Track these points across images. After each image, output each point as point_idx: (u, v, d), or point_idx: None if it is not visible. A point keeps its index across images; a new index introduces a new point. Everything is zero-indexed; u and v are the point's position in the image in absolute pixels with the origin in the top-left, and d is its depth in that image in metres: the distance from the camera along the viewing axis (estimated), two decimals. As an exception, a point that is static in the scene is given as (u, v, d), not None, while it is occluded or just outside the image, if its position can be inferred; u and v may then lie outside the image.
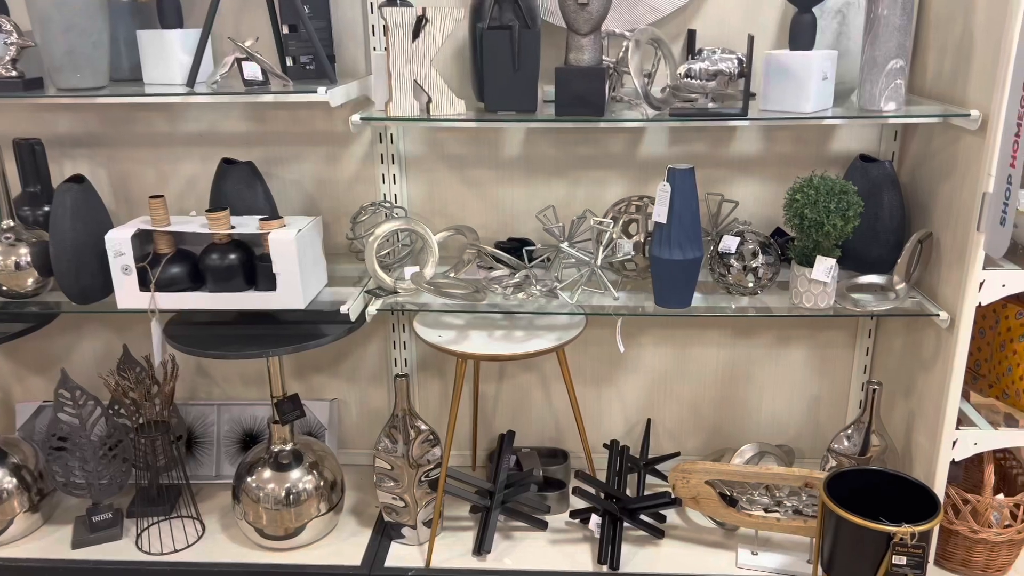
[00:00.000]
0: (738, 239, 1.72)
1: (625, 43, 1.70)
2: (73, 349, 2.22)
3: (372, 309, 1.75)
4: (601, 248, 1.76)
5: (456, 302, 1.76)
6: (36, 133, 2.01)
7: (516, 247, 1.96)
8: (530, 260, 1.89)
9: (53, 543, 1.95)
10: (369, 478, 2.16)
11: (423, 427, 1.90)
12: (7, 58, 1.65)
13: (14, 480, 1.95)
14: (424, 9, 1.57)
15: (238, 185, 1.88)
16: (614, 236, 1.77)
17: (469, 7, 1.71)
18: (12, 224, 1.78)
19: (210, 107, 1.99)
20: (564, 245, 1.83)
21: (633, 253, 1.78)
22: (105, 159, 2.04)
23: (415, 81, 1.62)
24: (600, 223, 1.76)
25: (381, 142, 2.00)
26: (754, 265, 1.72)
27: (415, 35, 1.59)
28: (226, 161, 1.90)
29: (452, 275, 1.90)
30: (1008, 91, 1.44)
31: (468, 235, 1.96)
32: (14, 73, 1.66)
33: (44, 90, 1.72)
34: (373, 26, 1.90)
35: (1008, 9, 1.42)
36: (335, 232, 2.08)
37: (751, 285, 1.73)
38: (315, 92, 1.60)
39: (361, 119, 1.64)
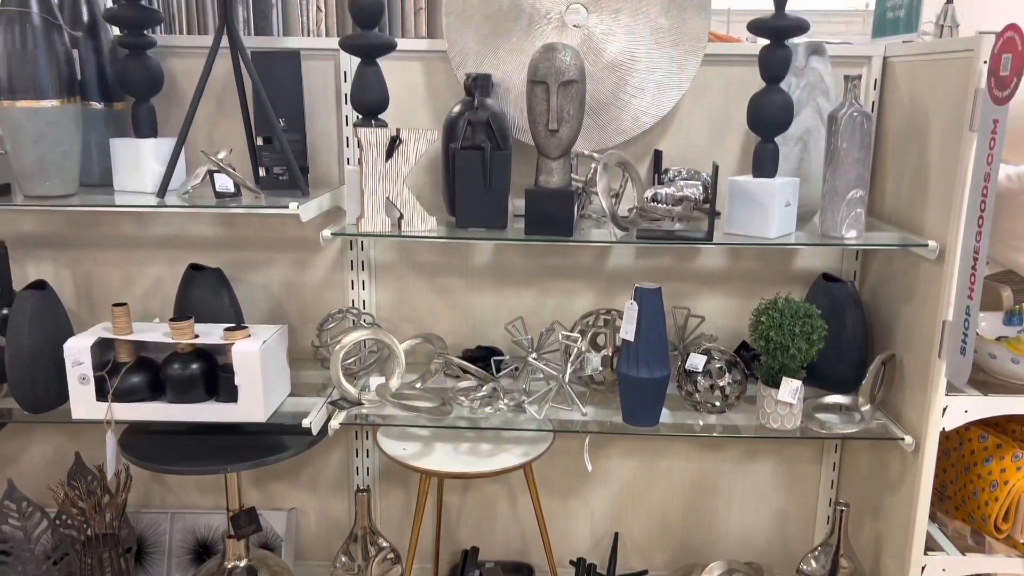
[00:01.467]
0: (705, 357, 1.73)
1: (594, 165, 1.74)
2: (23, 452, 2.14)
3: (335, 423, 1.72)
4: (569, 363, 1.76)
5: (422, 416, 1.73)
6: (1, 233, 1.99)
7: (485, 356, 1.95)
8: (498, 371, 1.89)
9: (-15, 666, 1.84)
10: (327, 593, 2.07)
11: (383, 544, 1.84)
12: (-25, 165, 1.65)
13: (-52, 597, 1.84)
14: (398, 130, 1.60)
15: (204, 292, 1.86)
16: (582, 350, 1.77)
17: (443, 125, 1.75)
18: (-33, 330, 1.73)
19: (180, 212, 1.99)
20: (532, 358, 1.83)
21: (601, 369, 1.78)
22: (70, 260, 2.02)
23: (387, 198, 1.63)
24: (568, 338, 1.76)
25: (352, 249, 2.00)
26: (721, 384, 1.72)
27: (389, 155, 1.61)
28: (193, 267, 1.89)
29: (419, 385, 1.88)
30: (963, 223, 1.49)
31: (436, 343, 1.94)
32: (-19, 180, 1.65)
33: (11, 197, 1.71)
34: (348, 138, 1.93)
35: (961, 143, 1.48)
36: (301, 336, 2.05)
37: (718, 404, 1.73)
38: (286, 207, 1.60)
39: (332, 235, 1.64)
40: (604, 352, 1.83)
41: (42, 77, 1.61)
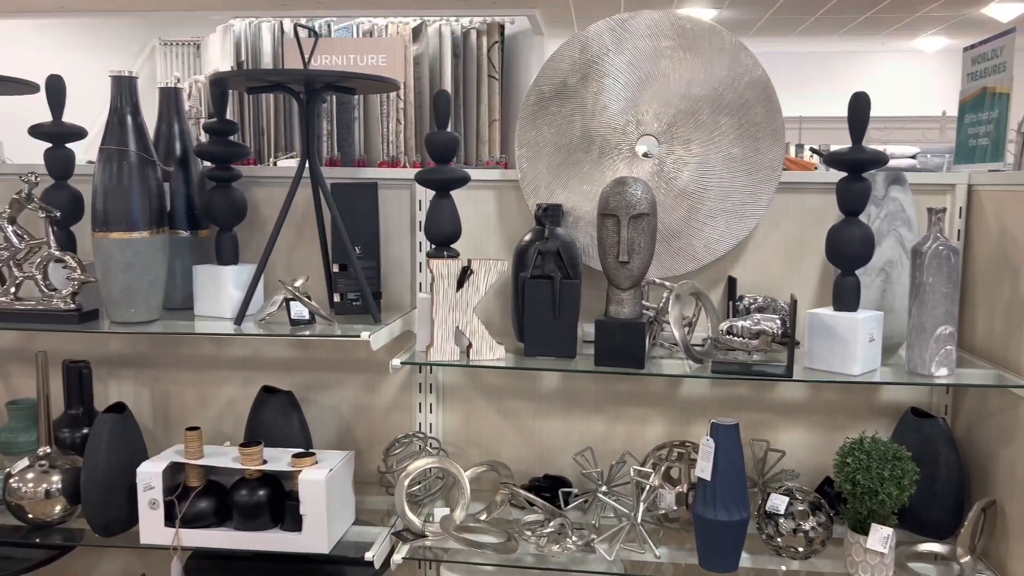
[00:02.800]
0: (787, 498, 1.63)
1: (666, 294, 1.71)
2: (92, 571, 2.15)
3: (398, 557, 1.67)
4: (642, 500, 1.68)
5: (487, 552, 1.67)
6: (87, 353, 2.06)
7: (552, 486, 1.89)
8: (566, 504, 1.82)
9: None
10: None
11: None
12: (66, 292, 1.72)
13: None
14: (469, 261, 1.62)
15: (275, 414, 1.88)
16: (655, 486, 1.70)
17: (513, 253, 1.76)
18: (48, 451, 1.78)
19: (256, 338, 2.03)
20: (602, 492, 1.76)
21: (676, 508, 1.69)
22: (149, 380, 2.07)
23: (457, 327, 1.63)
24: (640, 473, 1.69)
25: (420, 372, 2.00)
26: (805, 527, 1.62)
27: (459, 285, 1.62)
28: (266, 389, 1.91)
29: (484, 517, 1.82)
30: (1066, 365, 1.39)
31: (502, 472, 1.90)
32: (72, 306, 1.73)
33: (99, 321, 1.77)
34: (420, 263, 1.96)
35: (1058, 285, 1.40)
36: (368, 459, 2.04)
37: (802, 549, 1.62)
38: (358, 336, 1.62)
39: (401, 364, 1.65)
40: (679, 488, 1.75)
41: (134, 211, 1.69)
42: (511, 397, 2.00)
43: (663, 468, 1.79)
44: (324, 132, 6.27)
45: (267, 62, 6.43)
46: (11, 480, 1.74)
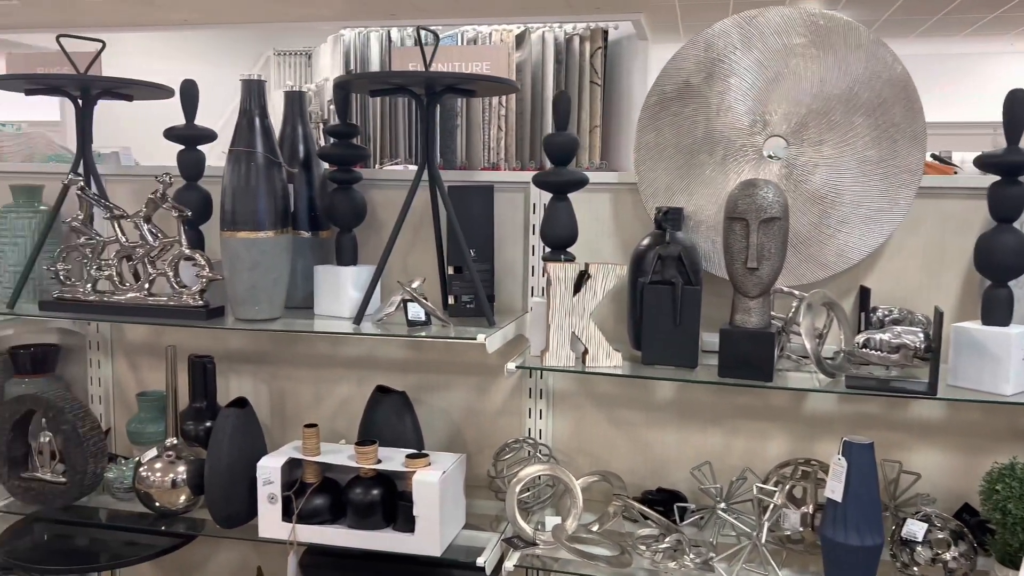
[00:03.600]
0: (925, 525, 1.52)
1: (795, 303, 1.63)
2: (209, 559, 2.22)
3: (509, 565, 1.65)
4: (765, 519, 1.60)
5: (600, 565, 1.63)
6: (210, 348, 2.14)
7: (666, 500, 1.83)
8: (681, 519, 1.76)
9: None
10: None
11: None
12: (195, 289, 1.78)
13: None
14: (587, 264, 1.58)
15: (389, 414, 1.89)
16: (779, 505, 1.61)
17: (631, 257, 1.71)
18: (175, 442, 1.84)
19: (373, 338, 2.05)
20: (721, 509, 1.69)
21: (800, 529, 1.61)
22: (268, 376, 2.13)
23: (573, 333, 1.60)
24: (763, 491, 1.61)
25: (531, 376, 1.98)
26: (945, 558, 1.50)
27: (576, 289, 1.59)
28: (380, 389, 1.93)
29: (596, 528, 1.78)
30: None
31: (614, 483, 1.85)
32: (200, 303, 1.78)
33: (224, 318, 1.83)
34: (533, 267, 1.93)
35: None
36: (476, 463, 2.03)
37: (942, 581, 1.51)
38: (474, 339, 1.61)
39: (516, 367, 1.62)
40: (803, 509, 1.66)
41: (261, 211, 1.73)
42: (623, 406, 1.95)
43: (787, 487, 1.70)
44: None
45: (375, 70, 6.59)
46: (141, 469, 1.81)
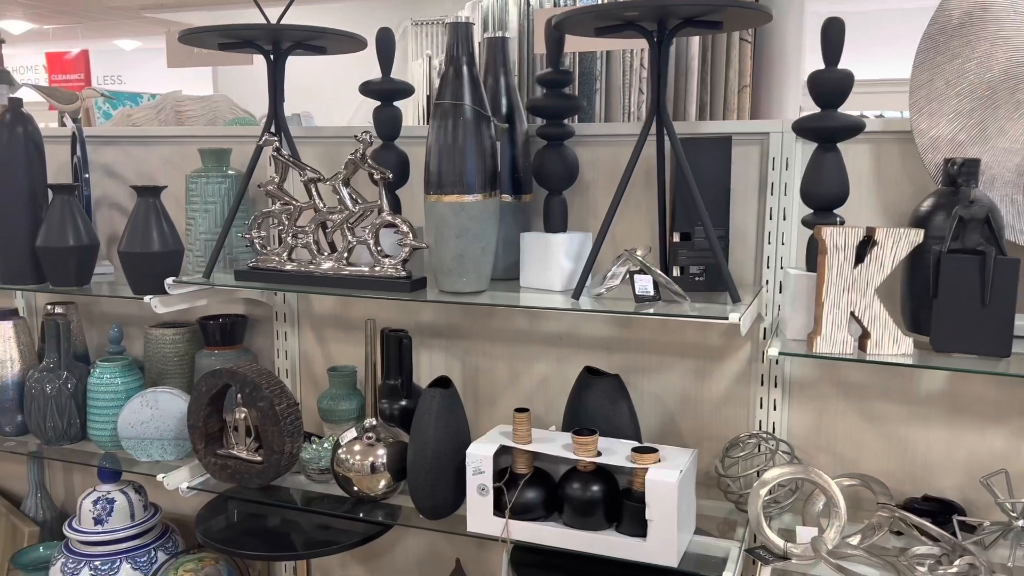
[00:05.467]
0: None
1: None
2: (398, 543, 2.10)
3: (763, 582, 1.41)
4: (1094, 547, 1.28)
5: (875, 590, 1.36)
6: (399, 321, 2.00)
7: (938, 512, 1.54)
8: (962, 533, 1.46)
9: None
10: None
11: None
12: (398, 259, 1.62)
13: None
14: (873, 230, 1.30)
15: (601, 399, 1.68)
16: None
17: (909, 222, 1.41)
18: (374, 423, 1.70)
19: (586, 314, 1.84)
20: (1022, 525, 1.38)
21: None
22: (461, 351, 1.97)
23: (852, 313, 1.32)
24: (1093, 512, 1.30)
25: (763, 361, 1.71)
26: None
27: (859, 259, 1.31)
28: (589, 371, 1.72)
29: (855, 541, 1.51)
30: None
31: (876, 489, 1.57)
32: (403, 273, 1.62)
33: (426, 291, 1.66)
34: (769, 233, 1.66)
35: None
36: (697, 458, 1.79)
37: None
38: (725, 318, 1.36)
39: (780, 354, 1.37)
40: None
41: (469, 172, 1.55)
42: (878, 397, 1.65)
43: (1114, 506, 1.37)
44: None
45: (513, 36, 6.39)
46: (339, 451, 1.69)
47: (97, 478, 2.00)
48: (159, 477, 1.79)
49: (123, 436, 1.86)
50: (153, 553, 1.99)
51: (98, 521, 1.95)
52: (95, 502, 1.96)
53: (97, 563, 1.92)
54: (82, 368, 1.97)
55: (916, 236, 1.29)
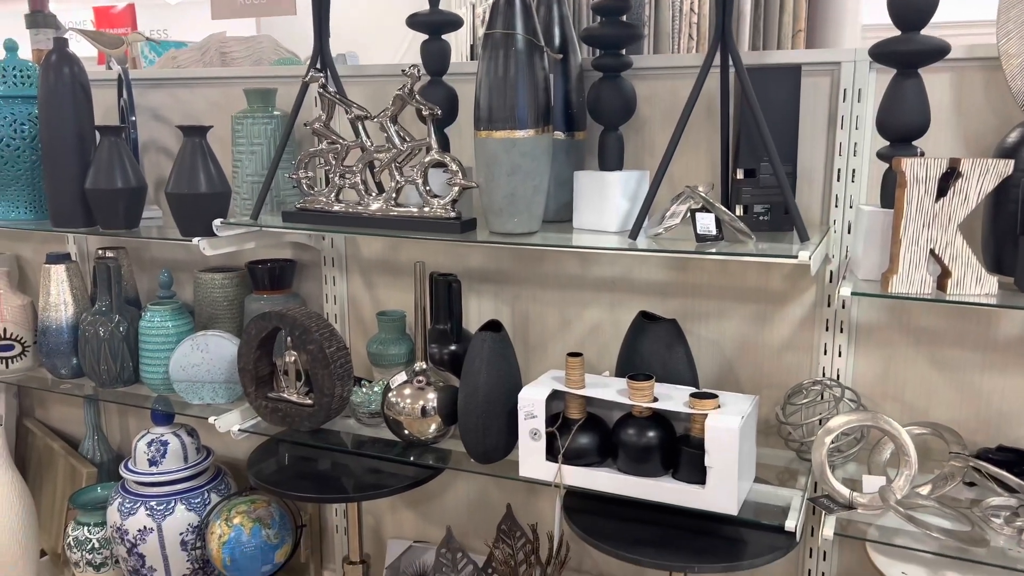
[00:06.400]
0: None
1: None
2: (448, 489, 2.09)
3: (828, 532, 1.36)
4: None
5: (941, 541, 1.30)
6: (448, 266, 1.95)
7: (1012, 461, 1.46)
8: (1043, 487, 1.38)
9: None
10: None
11: None
12: (448, 199, 1.57)
13: (381, 633, 1.82)
14: (958, 161, 1.20)
15: (657, 345, 1.62)
16: None
17: (994, 154, 1.31)
18: (424, 367, 1.68)
19: (641, 256, 1.78)
20: (1108, 479, 1.30)
21: None
22: (510, 297, 1.92)
23: (931, 251, 1.24)
24: None
25: (828, 306, 1.63)
26: None
27: (941, 192, 1.22)
28: (644, 316, 1.66)
29: (925, 492, 1.44)
30: None
31: (948, 438, 1.49)
32: (453, 214, 1.58)
33: (476, 232, 1.61)
34: (839, 170, 1.57)
35: None
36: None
37: None
38: (794, 257, 1.29)
39: (851, 294, 1.29)
40: None
41: (521, 106, 1.48)
42: (951, 344, 1.57)
43: None
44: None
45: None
46: (390, 394, 1.67)
47: (151, 421, 2.02)
48: (211, 419, 1.79)
49: (175, 379, 1.86)
50: (206, 495, 2.01)
51: (152, 462, 1.97)
52: (149, 444, 1.98)
53: (153, 503, 1.95)
54: (134, 312, 1.98)
55: (1006, 167, 1.20)
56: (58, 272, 2.00)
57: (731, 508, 1.40)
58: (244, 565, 1.86)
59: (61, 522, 2.33)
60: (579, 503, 1.60)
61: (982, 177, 1.20)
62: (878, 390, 1.64)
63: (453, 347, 1.80)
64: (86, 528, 2.12)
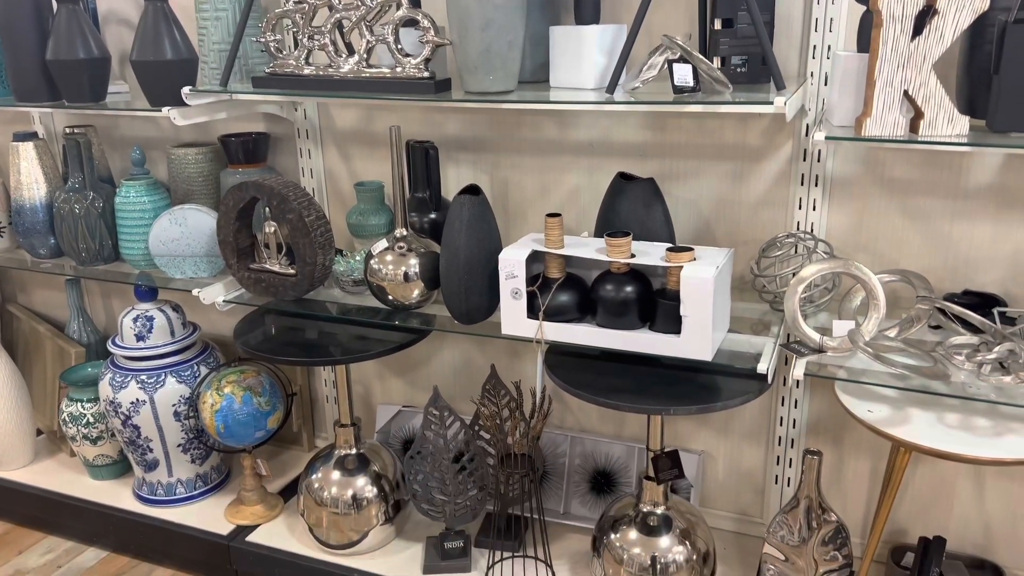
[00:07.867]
0: None
1: None
2: (434, 355, 2.15)
3: (798, 372, 1.42)
4: None
5: (912, 377, 1.36)
6: (424, 135, 1.93)
7: (977, 304, 1.52)
8: (1003, 324, 1.44)
9: (405, 561, 1.89)
10: (733, 547, 1.85)
11: (832, 519, 1.54)
12: (420, 58, 1.54)
13: (374, 489, 1.90)
14: (936, -2, 1.19)
15: (634, 204, 1.64)
16: None
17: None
18: (405, 233, 1.69)
19: (607, 113, 1.77)
20: (1066, 314, 1.36)
21: None
22: (488, 165, 1.91)
23: (905, 92, 1.24)
24: None
25: (804, 160, 1.65)
26: None
27: (917, 31, 1.21)
28: (622, 176, 1.67)
29: (892, 334, 1.50)
30: None
31: (916, 283, 1.54)
32: (426, 74, 1.55)
33: (450, 92, 1.59)
34: (817, 19, 1.54)
35: None
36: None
37: None
38: (770, 104, 1.29)
39: (826, 138, 1.30)
40: None
41: (493, -45, 1.43)
42: (922, 193, 1.60)
43: None
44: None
45: None
46: (372, 261, 1.68)
47: (135, 298, 2.04)
48: (195, 291, 1.81)
49: (155, 254, 1.87)
50: (196, 368, 2.05)
51: (140, 338, 2.00)
52: (135, 320, 2.00)
53: (143, 376, 1.99)
54: (108, 189, 1.96)
55: (981, 3, 1.18)
56: (27, 149, 1.96)
57: (705, 354, 1.46)
58: (237, 431, 1.93)
59: (54, 401, 2.37)
60: (559, 359, 1.65)
61: (958, 13, 1.19)
62: (851, 242, 1.68)
63: (433, 215, 1.81)
64: (79, 404, 2.17)
